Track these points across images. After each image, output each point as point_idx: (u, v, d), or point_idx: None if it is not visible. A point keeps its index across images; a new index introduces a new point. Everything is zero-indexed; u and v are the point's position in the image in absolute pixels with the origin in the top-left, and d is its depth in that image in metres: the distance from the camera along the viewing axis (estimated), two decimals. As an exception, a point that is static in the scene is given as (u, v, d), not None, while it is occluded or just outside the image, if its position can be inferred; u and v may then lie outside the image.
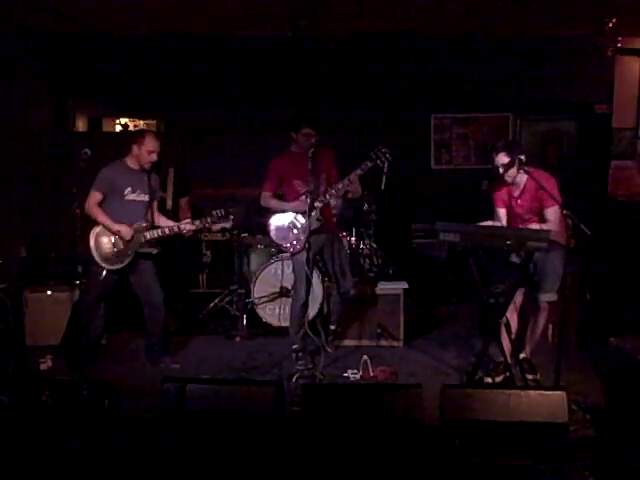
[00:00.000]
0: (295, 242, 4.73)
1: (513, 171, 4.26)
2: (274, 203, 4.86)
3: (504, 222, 4.49)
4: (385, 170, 4.53)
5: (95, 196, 4.60)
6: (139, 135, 4.75)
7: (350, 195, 4.78)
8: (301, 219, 4.69)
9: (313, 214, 4.58)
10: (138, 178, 4.71)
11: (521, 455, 3.12)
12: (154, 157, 4.67)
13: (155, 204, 4.86)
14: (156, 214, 4.84)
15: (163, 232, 4.70)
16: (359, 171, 4.54)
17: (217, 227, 5.50)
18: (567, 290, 4.10)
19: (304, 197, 4.58)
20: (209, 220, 4.73)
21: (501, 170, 4.27)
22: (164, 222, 4.83)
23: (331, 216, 4.95)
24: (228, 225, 5.24)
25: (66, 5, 5.48)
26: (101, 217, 4.59)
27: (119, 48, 6.79)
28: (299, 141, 4.73)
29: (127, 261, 4.64)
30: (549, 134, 7.55)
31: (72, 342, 4.55)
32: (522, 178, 4.30)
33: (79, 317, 4.52)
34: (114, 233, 4.59)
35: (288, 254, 5.01)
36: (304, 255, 4.56)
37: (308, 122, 4.71)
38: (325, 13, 5.72)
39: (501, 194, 4.46)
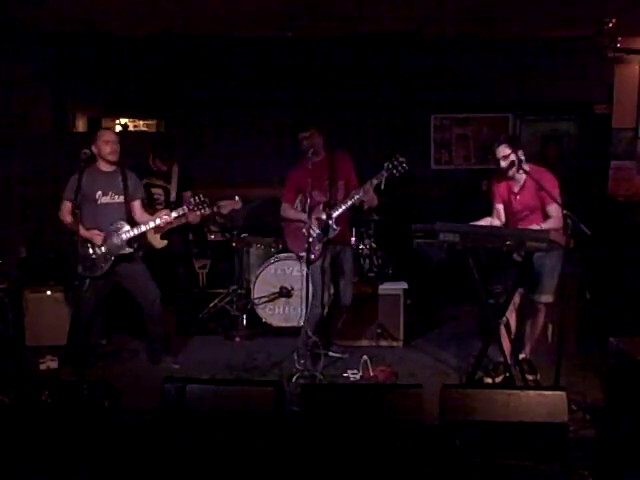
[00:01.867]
0: (311, 251, 4.74)
1: (514, 164, 4.24)
2: (292, 214, 4.90)
3: (502, 218, 4.49)
4: (384, 170, 4.52)
5: (65, 204, 4.54)
6: (93, 135, 4.65)
7: (366, 206, 4.75)
8: (316, 228, 4.70)
9: (330, 223, 4.62)
10: (109, 180, 4.62)
11: (521, 455, 3.12)
12: (113, 147, 4.54)
13: (137, 203, 4.72)
14: (139, 213, 4.71)
15: (139, 230, 4.61)
16: (374, 180, 4.51)
17: (227, 210, 5.43)
18: (567, 290, 4.10)
19: (320, 207, 4.65)
20: (186, 208, 4.67)
21: (502, 164, 4.26)
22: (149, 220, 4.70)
23: (346, 225, 4.94)
24: (237, 206, 5.37)
25: (66, 5, 5.50)
26: (73, 226, 4.41)
27: (119, 48, 6.81)
28: (302, 147, 4.76)
29: (107, 266, 4.58)
30: (549, 134, 7.53)
31: (75, 349, 4.56)
32: (522, 174, 4.29)
33: (78, 326, 4.54)
34: (87, 239, 4.52)
35: (292, 255, 5.06)
36: (320, 262, 4.67)
37: (299, 127, 4.77)
38: (325, 13, 5.74)
39: (500, 189, 4.45)
